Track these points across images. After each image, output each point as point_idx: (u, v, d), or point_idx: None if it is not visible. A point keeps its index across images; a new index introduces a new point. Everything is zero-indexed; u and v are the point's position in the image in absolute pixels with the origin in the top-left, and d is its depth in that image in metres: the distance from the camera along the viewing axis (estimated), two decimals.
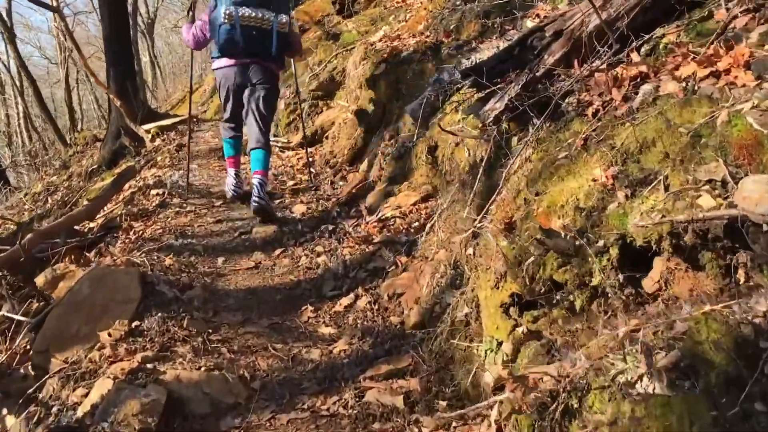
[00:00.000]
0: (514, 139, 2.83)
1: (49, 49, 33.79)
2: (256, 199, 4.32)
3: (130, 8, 22.80)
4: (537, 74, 2.75)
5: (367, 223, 4.06)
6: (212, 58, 4.75)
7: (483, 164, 2.92)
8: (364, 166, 4.88)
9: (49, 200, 9.69)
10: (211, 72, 5.04)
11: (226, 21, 4.33)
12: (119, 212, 4.89)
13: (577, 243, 1.91)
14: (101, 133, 14.39)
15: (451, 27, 5.06)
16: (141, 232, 4.34)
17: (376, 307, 3.14)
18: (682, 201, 1.71)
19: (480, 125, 2.98)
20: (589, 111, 2.57)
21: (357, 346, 2.79)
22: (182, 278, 3.46)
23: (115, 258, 3.89)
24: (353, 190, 4.72)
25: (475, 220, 2.88)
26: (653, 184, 1.89)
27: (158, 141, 7.00)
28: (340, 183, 5.01)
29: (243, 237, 4.14)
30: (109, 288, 3.09)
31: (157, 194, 5.04)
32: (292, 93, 6.81)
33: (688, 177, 1.77)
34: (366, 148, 5.12)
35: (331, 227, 4.10)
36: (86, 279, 3.07)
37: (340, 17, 8.67)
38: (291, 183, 5.29)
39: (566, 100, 2.69)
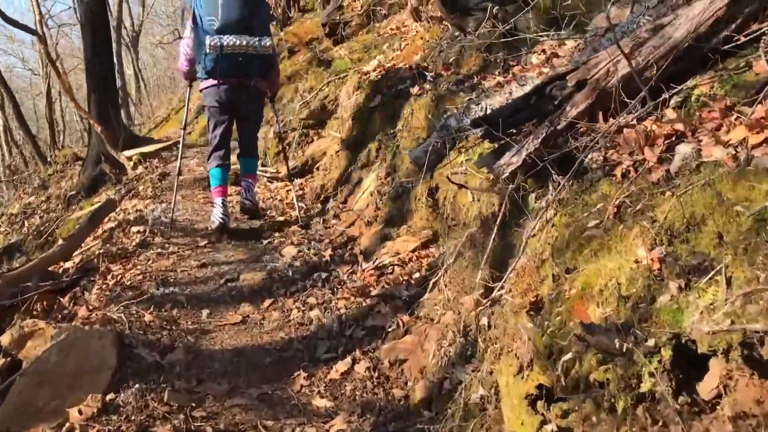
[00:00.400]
0: (532, 197, 2.59)
1: (32, 60, 33.34)
2: (245, 200, 4.83)
3: (114, 22, 22.54)
4: (558, 127, 2.51)
5: (364, 270, 3.79)
6: (199, 79, 4.71)
7: (497, 222, 2.67)
8: (358, 204, 4.62)
9: (26, 224, 9.34)
10: (198, 92, 4.97)
11: (211, 51, 4.37)
12: (96, 251, 4.58)
13: (624, 342, 1.65)
14: (82, 151, 14.01)
15: (451, 60, 4.83)
16: (119, 277, 4.04)
17: (377, 374, 2.86)
18: (755, 305, 1.46)
19: (491, 178, 2.73)
20: (618, 171, 2.33)
21: (356, 425, 2.51)
22: (163, 338, 3.16)
23: (90, 308, 3.59)
24: (347, 231, 4.45)
25: (489, 285, 2.63)
26: (710, 275, 1.64)
27: (140, 169, 6.69)
28: (333, 221, 4.74)
29: (229, 284, 3.85)
30: (81, 353, 2.78)
31: (138, 232, 4.74)
32: (281, 122, 6.55)
33: (757, 273, 1.52)
34: (360, 184, 4.85)
35: (324, 275, 3.82)
36: (55, 345, 2.76)
37: (331, 42, 8.44)
38: (280, 219, 5.00)
39: (589, 156, 2.45)
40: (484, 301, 2.52)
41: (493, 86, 4.07)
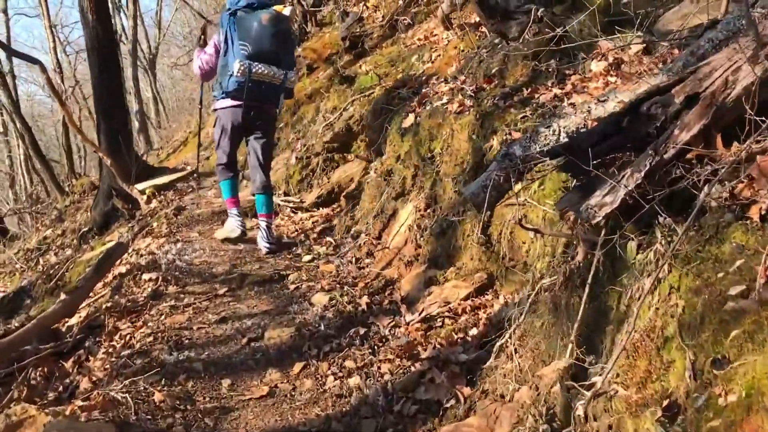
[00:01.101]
0: (631, 246, 2.01)
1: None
2: (266, 244, 4.66)
3: (129, 45, 22.37)
4: (665, 156, 1.94)
5: (408, 324, 3.23)
6: (215, 97, 4.76)
7: (586, 282, 2.10)
8: (395, 240, 4.07)
9: (41, 261, 8.94)
10: (212, 112, 5.04)
11: (239, 75, 4.40)
12: (104, 304, 4.09)
13: None
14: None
15: (493, 71, 4.28)
16: (128, 337, 3.54)
17: None
18: None
19: (574, 221, 2.16)
20: (754, 213, 1.76)
21: None
22: (176, 422, 2.63)
23: (93, 379, 3.09)
24: (383, 272, 3.91)
25: (579, 358, 2.06)
26: None
27: (154, 203, 6.22)
28: (367, 260, 4.20)
29: (253, 345, 3.31)
30: None
31: (150, 280, 4.23)
32: (303, 145, 6.05)
33: None
34: (395, 216, 4.31)
35: (362, 330, 3.27)
36: None
37: (352, 55, 7.94)
38: (307, 258, 4.47)
39: (710, 191, 1.88)
40: (578, 385, 1.95)
41: (549, 100, 3.51)
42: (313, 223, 5.24)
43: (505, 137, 3.42)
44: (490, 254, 3.32)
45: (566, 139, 2.35)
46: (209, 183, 6.86)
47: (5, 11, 20.65)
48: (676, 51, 3.09)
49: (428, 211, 3.90)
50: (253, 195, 4.82)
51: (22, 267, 9.63)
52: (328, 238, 4.79)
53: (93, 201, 7.38)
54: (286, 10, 4.65)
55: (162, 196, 6.34)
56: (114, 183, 6.54)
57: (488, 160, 3.52)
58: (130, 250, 5.29)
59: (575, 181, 2.30)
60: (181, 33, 30.49)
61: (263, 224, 4.68)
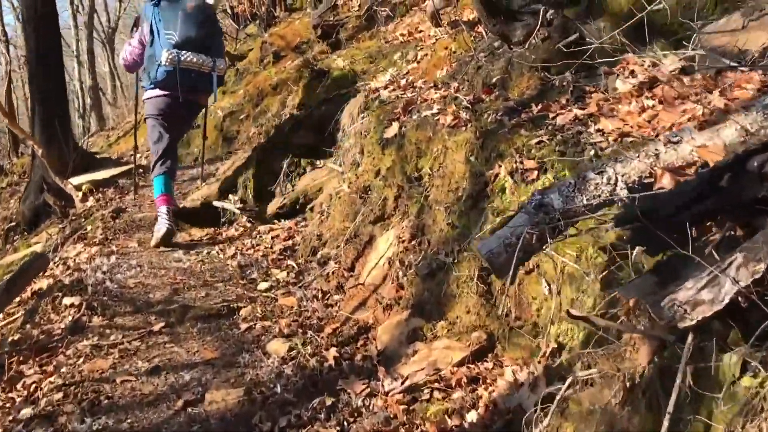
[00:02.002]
0: (732, 361, 1.41)
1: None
2: (169, 224, 4.50)
3: (85, 17, 21.11)
4: None
5: (387, 393, 2.59)
6: (144, 88, 4.76)
7: (657, 394, 1.50)
8: (372, 275, 3.42)
9: None
10: (143, 103, 5.01)
11: (167, 64, 4.41)
12: (10, 334, 3.36)
13: None
14: None
15: (494, 79, 3.66)
16: (32, 388, 2.82)
17: None
18: None
19: (649, 318, 1.54)
20: None
21: None
22: None
23: None
24: (356, 315, 3.26)
25: None
26: None
27: (90, 201, 5.43)
28: (336, 297, 3.54)
29: (189, 411, 2.62)
30: None
31: (72, 306, 3.51)
32: (258, 149, 5.34)
33: None
34: (372, 244, 3.65)
35: (329, 400, 2.60)
36: None
37: (325, 47, 7.24)
38: (264, 286, 3.79)
39: None
40: None
41: (569, 122, 2.90)
42: (272, 238, 4.55)
43: (514, 165, 2.80)
44: (490, 308, 2.70)
45: (625, 191, 1.73)
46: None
47: None
48: (753, 75, 2.50)
49: (413, 243, 3.26)
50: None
51: None
52: (290, 262, 4.11)
53: (23, 193, 6.52)
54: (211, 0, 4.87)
55: (100, 194, 5.54)
56: (46, 175, 5.71)
57: (492, 191, 2.90)
58: (56, 259, 4.53)
59: (640, 248, 1.69)
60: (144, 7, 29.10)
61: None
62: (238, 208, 4.97)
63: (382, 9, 7.13)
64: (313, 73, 5.71)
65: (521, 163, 2.78)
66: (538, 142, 2.79)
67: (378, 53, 5.39)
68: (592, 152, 2.54)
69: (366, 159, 4.07)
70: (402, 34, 5.48)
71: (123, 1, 26.70)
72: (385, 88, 4.51)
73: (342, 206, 4.13)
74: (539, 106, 3.18)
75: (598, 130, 2.70)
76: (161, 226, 4.51)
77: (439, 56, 4.53)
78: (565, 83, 3.30)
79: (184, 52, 4.40)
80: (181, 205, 5.10)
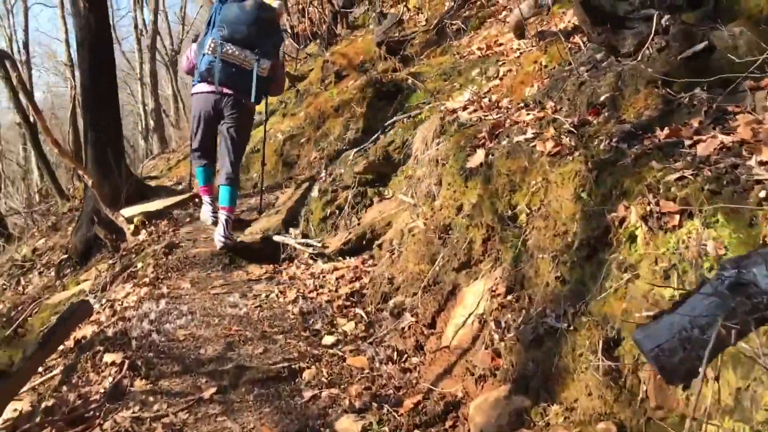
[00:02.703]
0: None
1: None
2: (222, 238, 4.51)
3: (148, 41, 21.36)
4: None
5: None
6: (193, 83, 4.79)
7: None
8: (459, 336, 2.85)
9: (22, 281, 7.86)
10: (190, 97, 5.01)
11: (209, 52, 4.51)
12: (45, 397, 2.94)
13: None
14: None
15: (602, 98, 3.07)
16: None
17: None
18: None
19: None
20: None
21: None
22: None
23: None
24: (441, 387, 2.70)
25: None
26: None
27: (143, 234, 5.06)
28: (414, 359, 2.99)
29: None
30: None
31: (113, 364, 3.07)
32: (329, 174, 4.86)
33: None
34: (457, 295, 3.09)
35: None
36: None
37: (393, 64, 6.76)
38: (329, 340, 3.28)
39: None
40: None
41: (715, 151, 2.29)
42: (337, 279, 4.05)
43: (648, 207, 2.20)
44: (619, 391, 2.11)
45: None
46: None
47: None
48: None
49: (510, 298, 2.69)
50: (219, 186, 4.73)
51: (3, 283, 8.57)
52: (358, 310, 3.60)
53: (75, 224, 6.24)
54: (275, 4, 4.80)
55: (153, 227, 5.17)
56: (97, 206, 5.39)
57: (616, 239, 2.31)
58: (103, 300, 4.15)
59: None
60: None
61: (222, 217, 4.58)
62: (300, 243, 4.50)
63: (453, 22, 6.63)
64: (378, 94, 5.22)
65: (657, 204, 2.18)
66: (679, 178, 2.19)
67: (452, 70, 4.86)
68: (763, 193, 1.93)
69: (444, 192, 3.53)
70: (479, 48, 4.93)
71: (186, 25, 27.15)
72: (465, 108, 3.97)
73: (416, 246, 3.59)
74: (666, 131, 2.57)
75: (763, 163, 2.08)
76: (207, 216, 4.99)
77: (526, 71, 3.97)
78: (696, 102, 2.70)
79: (228, 44, 4.47)
80: (238, 239, 4.68)
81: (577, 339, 2.27)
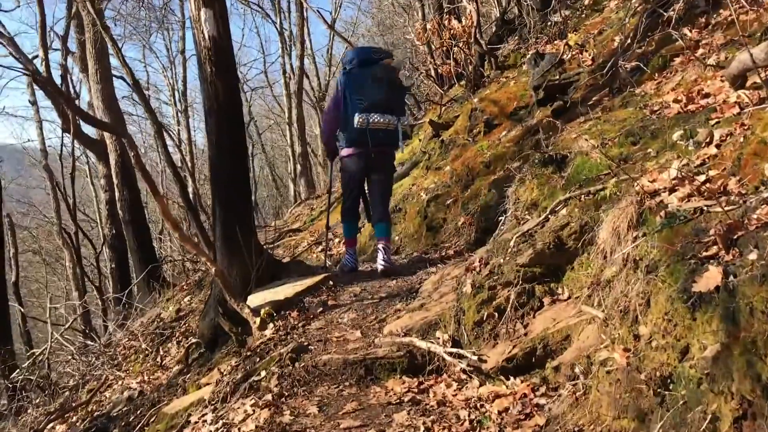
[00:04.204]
0: None
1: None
2: (383, 263, 5.24)
3: (295, 86, 21.72)
4: None
5: None
6: (340, 146, 5.40)
7: None
8: None
9: (160, 351, 7.62)
10: (339, 161, 5.67)
11: (359, 126, 5.06)
12: None
13: None
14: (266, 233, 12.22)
15: None
16: None
17: None
18: None
19: None
20: None
21: None
22: None
23: None
24: None
25: None
26: None
27: (269, 329, 4.41)
28: None
29: None
30: None
31: None
32: (484, 264, 3.96)
33: None
34: None
35: None
36: None
37: (548, 113, 5.78)
38: None
39: None
40: None
41: None
42: (500, 413, 3.12)
43: None
44: None
45: None
46: (347, 296, 4.96)
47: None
48: None
49: None
50: (373, 225, 5.43)
51: (146, 349, 8.44)
52: None
53: (203, 308, 5.80)
54: (395, 63, 5.40)
55: (281, 321, 4.52)
56: (221, 296, 4.86)
57: None
58: (219, 423, 3.50)
59: None
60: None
61: (381, 245, 5.26)
62: (450, 353, 3.62)
63: (624, 63, 5.54)
64: (543, 160, 4.26)
65: None
66: None
67: (642, 130, 3.80)
68: None
69: (656, 318, 2.50)
70: (677, 101, 3.84)
71: (333, 66, 27.60)
72: (673, 190, 2.93)
73: (613, 389, 2.58)
74: None
75: None
76: (347, 263, 5.60)
77: (760, 138, 2.86)
78: None
79: (372, 114, 4.99)
80: (373, 346, 3.90)
81: None
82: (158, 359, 7.45)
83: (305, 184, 21.38)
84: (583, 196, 3.64)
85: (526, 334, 3.49)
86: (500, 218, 4.81)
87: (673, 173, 3.03)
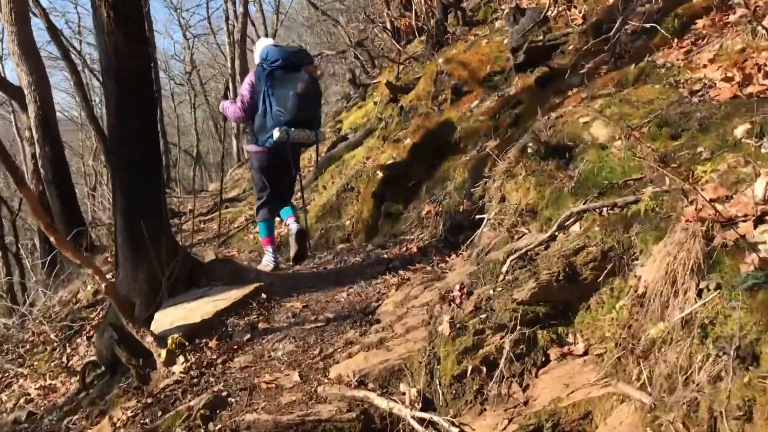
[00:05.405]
0: None
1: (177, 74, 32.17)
2: (296, 226, 4.96)
3: (237, 35, 20.08)
4: None
5: None
6: (248, 140, 5.27)
7: None
8: None
9: (67, 348, 6.52)
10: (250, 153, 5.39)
11: (278, 141, 4.82)
12: None
13: None
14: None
15: None
16: None
17: None
18: None
19: None
20: None
21: None
22: None
23: None
24: None
25: None
26: None
27: (178, 366, 3.35)
28: None
29: None
30: None
31: None
32: (466, 293, 2.97)
33: None
34: None
35: None
36: None
37: (527, 80, 4.77)
38: None
39: None
40: None
41: None
42: None
43: None
44: None
45: None
46: (284, 315, 3.91)
47: None
48: None
49: None
50: (279, 211, 5.15)
51: (54, 340, 7.27)
52: None
53: (100, 325, 4.67)
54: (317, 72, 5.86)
55: (194, 353, 3.46)
56: (115, 319, 3.74)
57: None
58: None
59: None
60: (304, 21, 27.90)
61: (292, 220, 5.00)
62: (418, 420, 2.65)
63: (628, 22, 4.55)
64: (540, 153, 3.25)
65: None
66: None
67: (682, 117, 2.81)
68: None
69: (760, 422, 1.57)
70: (726, 79, 2.86)
71: (281, 12, 25.83)
72: (762, 221, 1.98)
73: None
74: None
75: None
76: (269, 263, 5.22)
77: None
78: None
79: (293, 129, 4.80)
80: (315, 400, 2.89)
81: None
82: (64, 357, 6.36)
83: None
84: (605, 209, 2.66)
85: (526, 402, 2.53)
86: (478, 218, 3.82)
87: (759, 192, 2.06)
